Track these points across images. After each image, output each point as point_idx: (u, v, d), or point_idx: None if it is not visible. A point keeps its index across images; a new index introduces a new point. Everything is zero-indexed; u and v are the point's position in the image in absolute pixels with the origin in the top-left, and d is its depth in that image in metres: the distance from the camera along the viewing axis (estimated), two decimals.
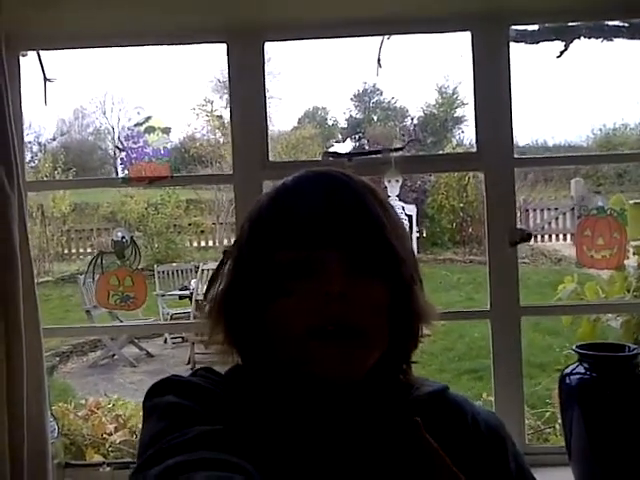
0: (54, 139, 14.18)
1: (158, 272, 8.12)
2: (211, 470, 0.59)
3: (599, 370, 1.61)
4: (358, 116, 17.08)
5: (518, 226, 1.84)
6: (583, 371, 1.63)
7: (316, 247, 0.71)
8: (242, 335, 0.77)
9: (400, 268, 0.73)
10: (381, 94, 17.06)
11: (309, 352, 0.70)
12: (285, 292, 0.71)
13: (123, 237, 1.83)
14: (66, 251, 11.24)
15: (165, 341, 7.31)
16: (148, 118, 1.85)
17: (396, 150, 1.83)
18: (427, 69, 16.97)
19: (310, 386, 0.73)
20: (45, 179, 8.99)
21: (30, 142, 12.76)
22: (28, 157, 12.27)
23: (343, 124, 17.07)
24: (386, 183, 1.82)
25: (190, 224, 11.23)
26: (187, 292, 7.42)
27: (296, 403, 0.74)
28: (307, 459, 0.71)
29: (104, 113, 15.56)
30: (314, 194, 0.74)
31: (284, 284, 0.71)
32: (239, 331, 0.77)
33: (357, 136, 16.08)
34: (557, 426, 2.06)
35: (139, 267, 1.86)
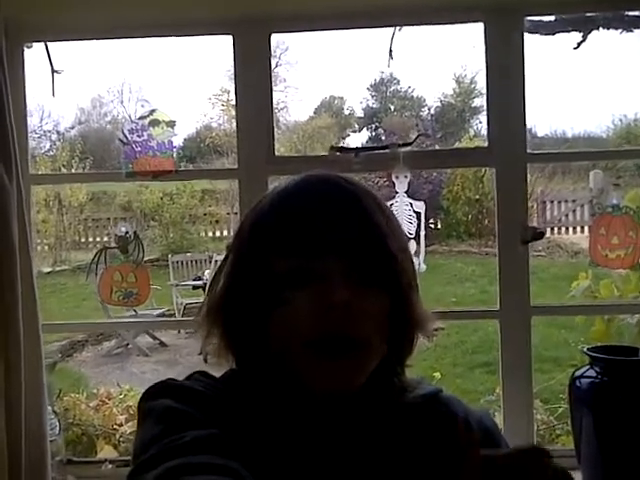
0: (72, 128, 14.25)
1: (172, 262, 8.16)
2: (208, 474, 0.58)
3: (611, 374, 1.57)
4: (375, 106, 16.94)
5: (531, 224, 1.79)
6: (594, 374, 1.60)
7: (316, 255, 0.69)
8: (238, 340, 0.75)
9: (401, 277, 0.73)
10: (398, 83, 16.90)
11: (308, 366, 0.69)
12: (284, 301, 0.70)
13: (127, 232, 1.81)
14: (83, 240, 11.32)
15: (179, 331, 7.34)
16: (153, 111, 1.82)
17: (404, 145, 1.78)
18: (444, 58, 16.70)
19: (307, 395, 0.71)
20: (62, 168, 9.10)
21: (49, 131, 12.83)
22: (47, 146, 12.34)
23: (359, 114, 16.93)
24: (394, 179, 1.77)
25: (205, 214, 11.25)
26: (200, 282, 7.45)
27: (292, 409, 0.73)
28: (302, 465, 0.69)
29: (122, 102, 15.57)
30: (315, 201, 0.72)
31: (283, 293, 0.70)
32: (235, 336, 0.75)
33: (373, 126, 15.98)
34: (569, 422, 2.03)
35: (143, 261, 1.84)
